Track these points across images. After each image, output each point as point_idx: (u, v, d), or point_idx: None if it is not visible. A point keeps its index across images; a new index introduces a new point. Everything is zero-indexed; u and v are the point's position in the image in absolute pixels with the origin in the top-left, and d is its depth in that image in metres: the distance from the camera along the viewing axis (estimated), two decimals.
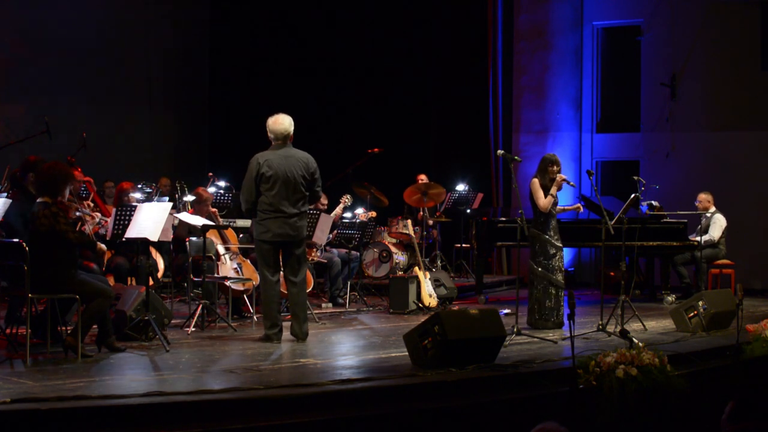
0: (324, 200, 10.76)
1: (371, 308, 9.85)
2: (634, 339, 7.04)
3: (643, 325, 8.25)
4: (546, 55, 13.68)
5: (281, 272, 7.56)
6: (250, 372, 5.94)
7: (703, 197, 10.95)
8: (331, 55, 14.89)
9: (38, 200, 6.43)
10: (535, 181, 8.22)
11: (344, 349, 7.27)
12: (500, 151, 8.54)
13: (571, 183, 8.20)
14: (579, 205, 8.71)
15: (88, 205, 8.20)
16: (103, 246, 7.11)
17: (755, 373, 7.01)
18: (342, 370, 6.10)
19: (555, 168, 8.16)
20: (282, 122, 7.38)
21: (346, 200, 10.53)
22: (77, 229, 7.33)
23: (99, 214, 7.99)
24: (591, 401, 5.85)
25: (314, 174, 7.45)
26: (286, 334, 7.51)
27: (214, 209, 9.37)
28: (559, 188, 8.22)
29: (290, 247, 7.37)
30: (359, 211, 11.35)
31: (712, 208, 10.90)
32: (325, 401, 5.30)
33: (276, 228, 7.26)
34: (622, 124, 13.77)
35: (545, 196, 8.15)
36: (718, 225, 10.81)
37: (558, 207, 8.39)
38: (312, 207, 9.88)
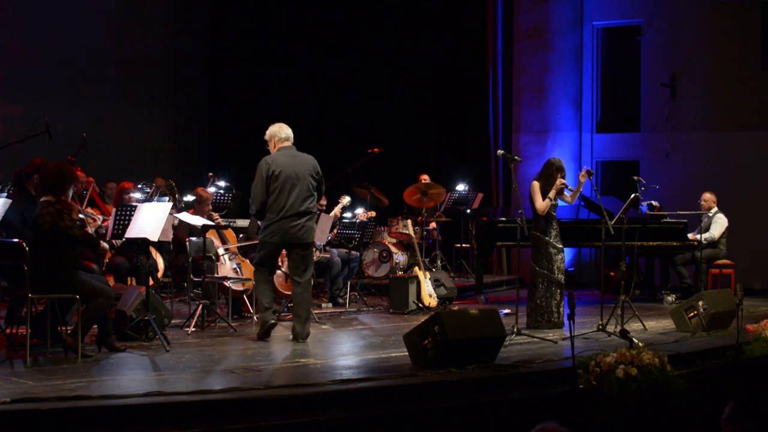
0: (323, 200, 10.77)
1: (371, 308, 9.85)
2: (634, 339, 7.04)
3: (643, 325, 8.25)
4: (546, 55, 13.68)
5: (276, 273, 7.62)
6: (250, 372, 5.94)
7: (708, 197, 10.95)
8: (331, 55, 14.89)
9: (41, 199, 6.42)
10: (536, 183, 8.20)
11: (344, 349, 7.27)
12: (500, 151, 8.55)
13: (569, 188, 8.18)
14: (583, 171, 8.37)
15: (88, 209, 8.21)
16: (106, 245, 7.12)
17: (755, 373, 7.01)
18: (342, 370, 6.09)
19: (559, 175, 8.15)
20: (287, 126, 7.59)
21: (345, 201, 10.52)
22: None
23: (101, 217, 7.99)
24: (591, 401, 5.85)
25: (321, 174, 7.60)
26: (287, 333, 7.53)
27: (215, 213, 9.34)
28: (560, 193, 8.21)
29: (295, 249, 7.41)
30: (359, 211, 11.35)
31: (715, 208, 10.90)
32: (325, 401, 5.29)
33: (283, 231, 7.31)
34: (622, 124, 13.77)
35: (543, 199, 8.14)
36: (719, 224, 10.80)
37: (567, 196, 8.30)
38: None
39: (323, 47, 14.91)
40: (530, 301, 8.22)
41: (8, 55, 12.83)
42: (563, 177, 8.16)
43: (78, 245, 6.52)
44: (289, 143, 7.52)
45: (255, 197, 7.41)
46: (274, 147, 7.51)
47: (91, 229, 7.75)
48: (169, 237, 8.09)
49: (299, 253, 7.41)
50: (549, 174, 8.20)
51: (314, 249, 9.73)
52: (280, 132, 7.52)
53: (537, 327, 8.06)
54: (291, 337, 7.38)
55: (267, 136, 7.57)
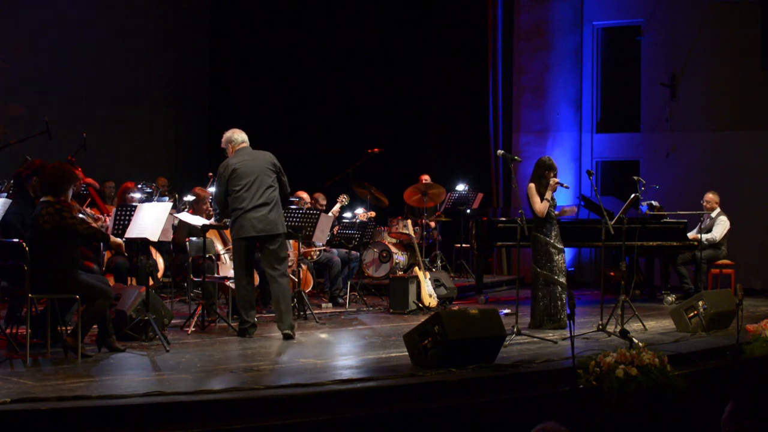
0: (323, 200, 10.78)
1: (371, 308, 9.85)
2: (634, 339, 7.04)
3: (643, 325, 8.25)
4: (546, 55, 13.68)
5: (255, 273, 7.85)
6: (250, 372, 5.94)
7: (711, 197, 10.93)
8: (331, 55, 14.89)
9: (41, 200, 6.42)
10: (532, 186, 8.18)
11: (344, 349, 7.27)
12: (500, 151, 8.55)
13: (564, 185, 8.17)
14: (573, 207, 8.63)
15: (86, 209, 8.20)
16: (118, 239, 7.14)
17: (755, 373, 7.01)
18: (342, 370, 6.10)
19: (551, 173, 8.14)
20: (240, 131, 7.86)
21: (343, 199, 10.54)
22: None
23: (102, 217, 7.98)
24: (591, 401, 5.85)
25: (279, 166, 7.76)
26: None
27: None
28: (554, 190, 8.19)
29: (264, 243, 7.56)
30: (359, 211, 11.35)
31: (717, 209, 10.88)
32: (325, 401, 5.29)
33: (249, 225, 7.46)
34: (622, 124, 13.77)
35: (541, 201, 8.13)
36: (722, 226, 10.78)
37: (555, 212, 8.32)
38: (309, 206, 9.92)
39: (323, 47, 14.90)
40: (533, 302, 8.20)
41: (8, 55, 12.82)
42: (555, 175, 8.15)
43: (82, 241, 6.52)
44: (245, 145, 7.77)
45: (215, 200, 7.86)
46: (232, 152, 7.76)
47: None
48: (169, 237, 8.11)
49: (268, 247, 7.56)
50: (540, 175, 8.18)
51: (313, 248, 9.80)
52: (235, 137, 7.79)
53: (541, 327, 8.04)
54: (290, 336, 7.39)
55: (223, 144, 7.84)
